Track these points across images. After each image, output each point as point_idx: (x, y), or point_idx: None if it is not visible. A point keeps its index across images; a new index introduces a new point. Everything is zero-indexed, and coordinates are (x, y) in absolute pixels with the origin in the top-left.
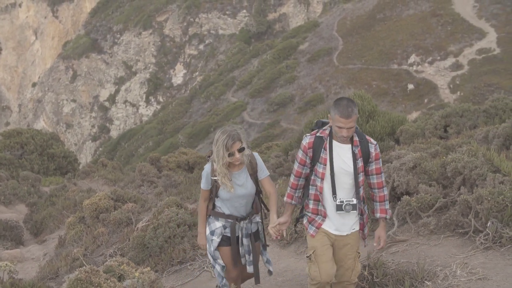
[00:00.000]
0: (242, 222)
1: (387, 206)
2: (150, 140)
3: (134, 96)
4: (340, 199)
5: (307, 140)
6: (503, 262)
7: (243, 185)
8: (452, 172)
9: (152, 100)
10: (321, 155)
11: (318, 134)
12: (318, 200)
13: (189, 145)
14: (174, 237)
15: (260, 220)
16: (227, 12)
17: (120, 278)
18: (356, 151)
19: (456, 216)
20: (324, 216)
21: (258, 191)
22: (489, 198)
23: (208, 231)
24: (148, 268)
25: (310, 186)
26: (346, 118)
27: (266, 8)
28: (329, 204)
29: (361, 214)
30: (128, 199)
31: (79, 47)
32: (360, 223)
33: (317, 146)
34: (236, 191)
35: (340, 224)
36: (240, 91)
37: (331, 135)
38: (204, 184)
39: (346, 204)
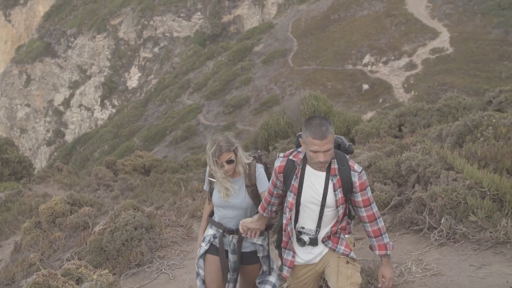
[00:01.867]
0: (231, 236)
1: (386, 240)
2: (106, 144)
3: (89, 100)
4: (300, 227)
5: (278, 163)
6: (456, 257)
7: (235, 194)
8: (406, 170)
9: (107, 103)
10: (292, 182)
11: (290, 157)
12: (285, 231)
13: (145, 148)
14: (132, 240)
15: (260, 243)
16: (182, 15)
17: (78, 281)
18: (334, 181)
19: (411, 213)
20: (294, 251)
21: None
22: (443, 195)
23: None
24: (106, 271)
25: (282, 215)
26: (321, 139)
27: (220, 10)
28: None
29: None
30: (85, 203)
31: (33, 51)
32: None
33: (289, 171)
34: (229, 199)
35: (305, 256)
36: (195, 94)
37: (305, 160)
38: (205, 185)
39: (302, 236)
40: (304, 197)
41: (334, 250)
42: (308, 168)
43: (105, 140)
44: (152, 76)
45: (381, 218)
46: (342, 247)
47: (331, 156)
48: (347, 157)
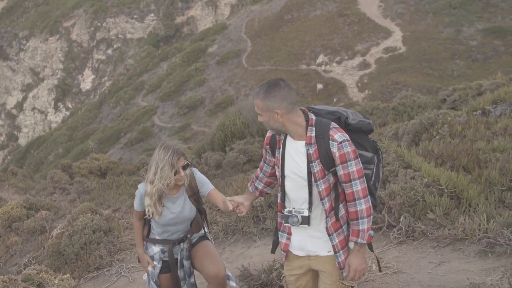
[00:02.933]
0: (182, 244)
1: (362, 226)
2: (60, 147)
3: (42, 103)
4: (289, 208)
5: (267, 134)
6: (416, 255)
7: (180, 209)
8: None
9: (61, 106)
10: (276, 154)
11: None
12: (280, 210)
13: (100, 151)
14: (90, 243)
15: (204, 231)
16: (135, 16)
17: (39, 286)
18: (311, 151)
19: None
20: (289, 232)
21: (201, 211)
22: (401, 194)
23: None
24: (68, 275)
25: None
26: (254, 98)
27: (174, 11)
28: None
29: (328, 234)
30: (41, 207)
31: None
32: (332, 245)
33: (273, 143)
34: (171, 216)
35: (298, 241)
36: (149, 95)
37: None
38: (137, 205)
39: (293, 214)
40: (287, 170)
41: (335, 253)
42: (288, 138)
43: (59, 143)
44: (105, 78)
45: (364, 200)
46: (343, 256)
47: (266, 123)
48: (333, 126)
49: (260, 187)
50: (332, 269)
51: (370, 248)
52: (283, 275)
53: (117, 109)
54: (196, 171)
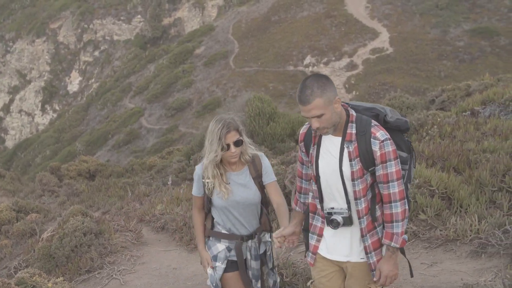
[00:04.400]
0: (249, 242)
1: (396, 230)
2: (47, 149)
3: (29, 105)
4: (329, 208)
5: (301, 130)
6: (408, 256)
7: (244, 189)
8: None
9: (48, 108)
10: (310, 151)
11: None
12: (314, 211)
13: (87, 153)
14: (81, 246)
15: (270, 240)
16: (122, 18)
17: None
18: (351, 148)
19: None
20: (320, 234)
21: (266, 202)
22: None
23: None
24: (61, 278)
25: (310, 193)
26: (303, 104)
27: (161, 13)
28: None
29: (361, 235)
30: (31, 210)
31: None
32: (364, 246)
33: (308, 140)
34: (234, 194)
35: (332, 244)
36: (137, 97)
37: None
38: (195, 189)
39: (334, 216)
40: (322, 167)
41: (367, 254)
42: (324, 136)
43: (47, 145)
44: (93, 80)
45: (400, 203)
46: (375, 258)
47: (328, 122)
48: (374, 124)
49: (307, 200)
50: (361, 276)
51: (402, 252)
52: (311, 280)
53: (105, 111)
54: (262, 156)
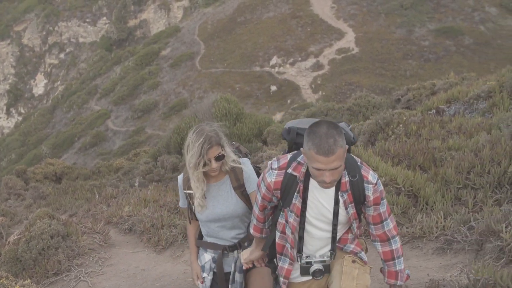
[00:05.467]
0: (235, 252)
1: (399, 267)
2: (13, 152)
3: None
4: (306, 259)
5: (273, 178)
6: (374, 253)
7: (224, 202)
8: None
9: (13, 111)
10: (293, 201)
11: (289, 171)
12: (281, 251)
13: (53, 156)
14: (48, 248)
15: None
16: (87, 20)
17: None
18: (345, 197)
19: None
20: (292, 259)
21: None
22: None
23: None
24: (29, 281)
25: (280, 215)
26: (326, 155)
27: (126, 14)
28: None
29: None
30: None
31: None
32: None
33: (288, 187)
34: (214, 207)
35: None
36: (103, 99)
37: (308, 174)
38: (180, 201)
39: (316, 266)
40: (311, 218)
41: (342, 249)
42: (312, 182)
43: (12, 149)
44: (58, 83)
45: (396, 238)
46: (352, 245)
47: (339, 175)
48: (358, 162)
49: (270, 224)
50: (341, 254)
51: None
52: None
53: (71, 114)
54: (245, 161)
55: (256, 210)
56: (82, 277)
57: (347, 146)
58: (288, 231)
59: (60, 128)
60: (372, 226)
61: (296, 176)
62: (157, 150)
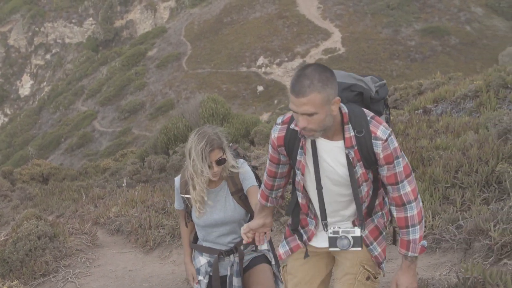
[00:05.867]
0: (231, 256)
1: (414, 236)
2: None
3: None
4: (334, 228)
5: (276, 133)
6: None
7: (221, 208)
8: None
9: None
10: (298, 157)
11: (291, 126)
12: (306, 212)
13: (40, 157)
14: (35, 249)
15: (266, 248)
16: (73, 21)
17: None
18: (352, 154)
19: None
20: (310, 238)
21: (251, 215)
22: None
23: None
24: (16, 281)
25: (295, 192)
26: (296, 95)
27: (112, 15)
28: (320, 231)
29: (353, 225)
30: None
31: None
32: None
33: (291, 143)
34: (211, 216)
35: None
36: (89, 100)
37: None
38: (176, 203)
39: (341, 236)
40: (323, 177)
41: (367, 247)
42: (318, 140)
43: None
44: (44, 84)
45: (415, 203)
46: (379, 249)
47: (318, 125)
48: (369, 116)
49: (280, 194)
50: (356, 255)
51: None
52: (284, 264)
53: (57, 115)
54: (242, 164)
55: (264, 175)
56: (69, 278)
57: (337, 98)
58: (300, 196)
59: (47, 129)
60: (389, 187)
61: (297, 131)
62: (144, 151)
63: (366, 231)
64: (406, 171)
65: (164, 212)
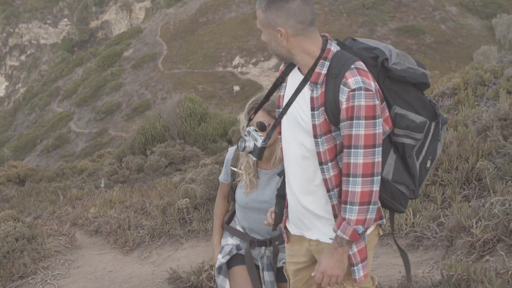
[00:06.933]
0: (263, 248)
1: (350, 215)
2: None
3: None
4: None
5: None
6: None
7: (270, 192)
8: None
9: None
10: (281, 91)
11: None
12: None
13: (15, 158)
14: (13, 251)
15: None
16: (48, 21)
17: None
18: (316, 94)
19: None
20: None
21: None
22: None
23: (217, 264)
24: None
25: None
26: (256, 8)
27: (88, 16)
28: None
29: (333, 214)
30: None
31: None
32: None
33: (285, 76)
34: (257, 197)
35: (295, 215)
36: (65, 101)
37: None
38: (222, 174)
39: (245, 138)
40: (287, 115)
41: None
42: (294, 71)
43: None
44: (20, 85)
45: (361, 180)
46: (355, 248)
47: (268, 46)
48: (354, 66)
49: None
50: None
51: (405, 258)
52: (284, 260)
53: (33, 116)
54: None
55: None
56: (48, 280)
57: (282, 28)
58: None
59: (22, 130)
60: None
61: None
62: (121, 151)
63: (354, 249)
64: (367, 141)
65: (143, 213)
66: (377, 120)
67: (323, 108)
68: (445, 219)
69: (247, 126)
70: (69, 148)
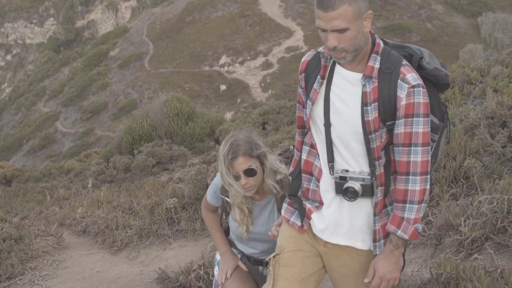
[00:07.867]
0: (260, 268)
1: (409, 214)
2: None
3: None
4: (341, 171)
5: (303, 58)
6: None
7: (264, 223)
8: None
9: None
10: (313, 85)
11: (320, 49)
12: (309, 171)
13: (2, 159)
14: (0, 252)
15: None
16: (34, 21)
17: None
18: (368, 88)
19: None
20: (321, 202)
21: None
22: None
23: (217, 257)
24: None
25: (303, 146)
26: (325, 9)
27: (74, 15)
28: (325, 181)
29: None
30: None
31: None
32: (374, 230)
33: (311, 69)
34: (256, 233)
35: (335, 220)
36: (51, 101)
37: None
38: (210, 197)
39: (350, 183)
40: (333, 112)
41: (374, 242)
42: (338, 68)
43: None
44: (5, 85)
45: (420, 178)
46: (378, 225)
47: (350, 44)
48: (405, 62)
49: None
50: (362, 268)
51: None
52: (275, 253)
53: (19, 116)
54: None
55: (297, 134)
56: (36, 281)
57: (370, 11)
58: (312, 134)
59: (8, 130)
60: (397, 149)
61: (322, 53)
62: (108, 151)
63: (379, 224)
64: (424, 139)
65: (131, 213)
66: (429, 119)
67: (375, 104)
68: (433, 218)
69: (236, 179)
70: (55, 148)
